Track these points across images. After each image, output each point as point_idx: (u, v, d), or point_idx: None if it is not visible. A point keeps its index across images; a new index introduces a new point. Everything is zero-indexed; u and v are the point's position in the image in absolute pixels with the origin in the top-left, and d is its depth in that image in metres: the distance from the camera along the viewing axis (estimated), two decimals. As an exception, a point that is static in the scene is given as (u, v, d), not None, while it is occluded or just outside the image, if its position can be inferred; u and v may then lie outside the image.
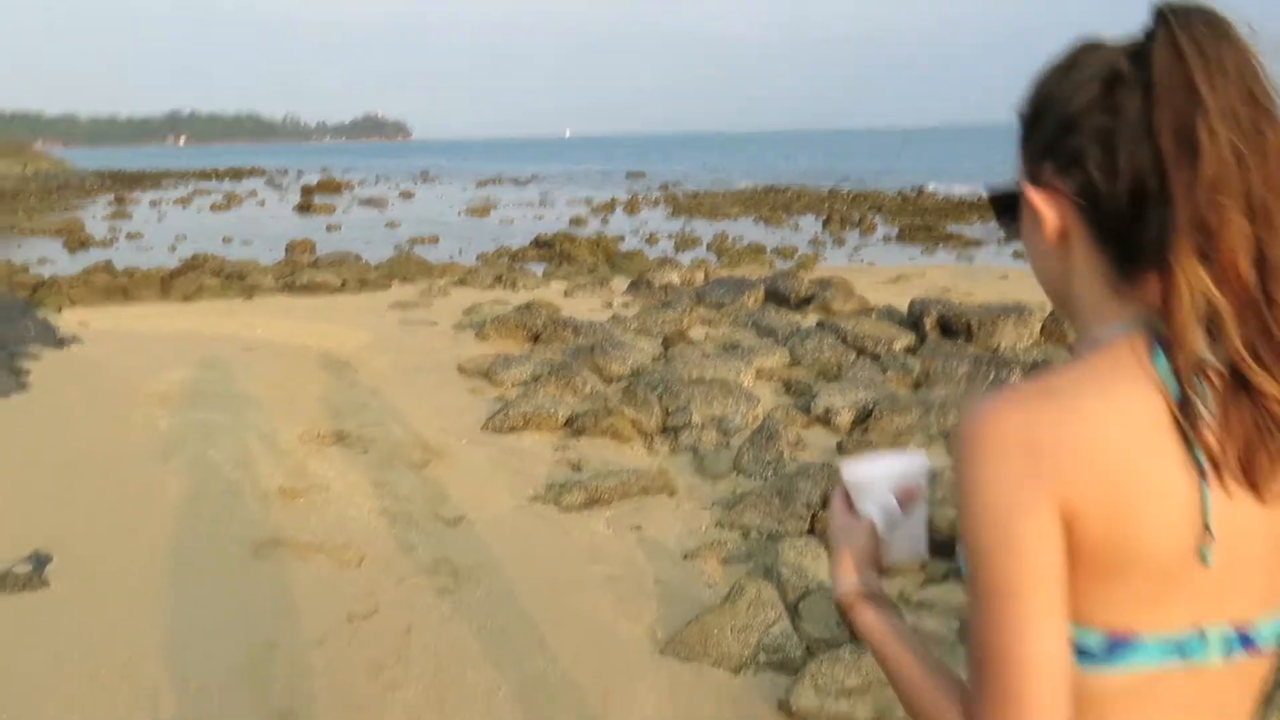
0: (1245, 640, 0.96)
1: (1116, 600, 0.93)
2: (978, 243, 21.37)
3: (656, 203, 35.25)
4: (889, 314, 10.41)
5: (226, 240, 23.71)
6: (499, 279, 14.21)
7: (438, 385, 7.78)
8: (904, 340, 8.94)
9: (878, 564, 1.18)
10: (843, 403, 6.88)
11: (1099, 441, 0.90)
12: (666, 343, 9.09)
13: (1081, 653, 0.95)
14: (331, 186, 46.67)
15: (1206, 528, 0.91)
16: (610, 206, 32.99)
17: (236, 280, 14.75)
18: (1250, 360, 0.89)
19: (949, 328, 9.35)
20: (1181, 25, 0.90)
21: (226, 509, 4.77)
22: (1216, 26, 0.90)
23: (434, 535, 4.63)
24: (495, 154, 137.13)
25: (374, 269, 16.37)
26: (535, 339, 9.47)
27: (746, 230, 25.37)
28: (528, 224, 27.92)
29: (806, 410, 6.99)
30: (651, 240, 22.88)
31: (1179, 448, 0.90)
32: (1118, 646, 0.94)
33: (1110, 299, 0.96)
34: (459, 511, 4.94)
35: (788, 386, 7.81)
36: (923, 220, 26.11)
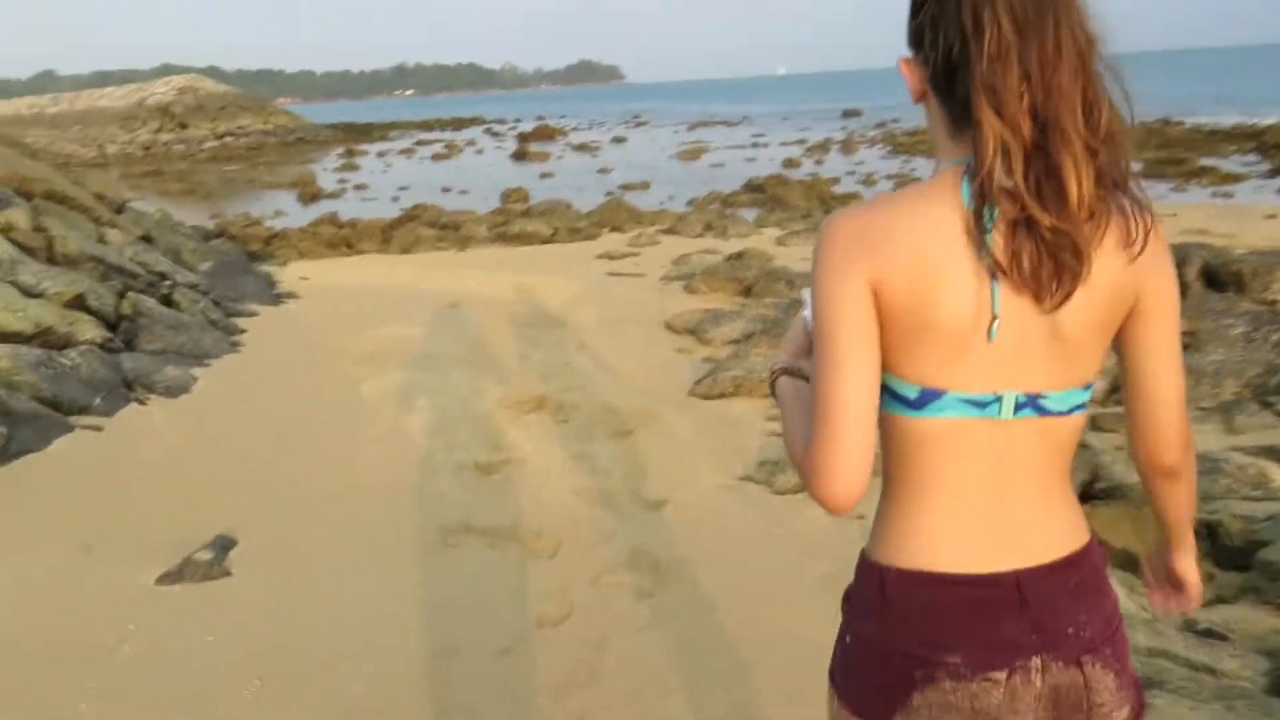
0: (1035, 405, 1.27)
1: (922, 360, 1.24)
2: (1236, 177, 19.31)
3: (874, 142, 33.82)
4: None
5: (445, 190, 24.18)
6: (709, 227, 13.74)
7: (643, 343, 7.41)
8: (1161, 293, 7.94)
9: (802, 353, 1.50)
10: (1093, 368, 6.09)
11: (905, 235, 1.22)
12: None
13: (902, 400, 1.27)
14: (546, 133, 47.23)
15: (994, 314, 1.21)
16: (825, 147, 31.88)
17: (451, 231, 14.88)
18: (1028, 196, 1.17)
19: (1215, 278, 8.26)
20: None
21: (418, 487, 4.54)
22: None
23: (634, 521, 4.25)
24: (707, 94, 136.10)
25: (584, 217, 16.21)
26: (747, 292, 8.96)
27: (971, 168, 23.95)
28: (739, 167, 27.27)
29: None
30: (869, 181, 21.86)
31: (973, 251, 1.21)
32: (928, 397, 1.26)
33: (949, 142, 1.28)
34: (661, 493, 4.54)
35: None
36: (1169, 153, 23.91)
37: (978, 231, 1.18)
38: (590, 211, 16.87)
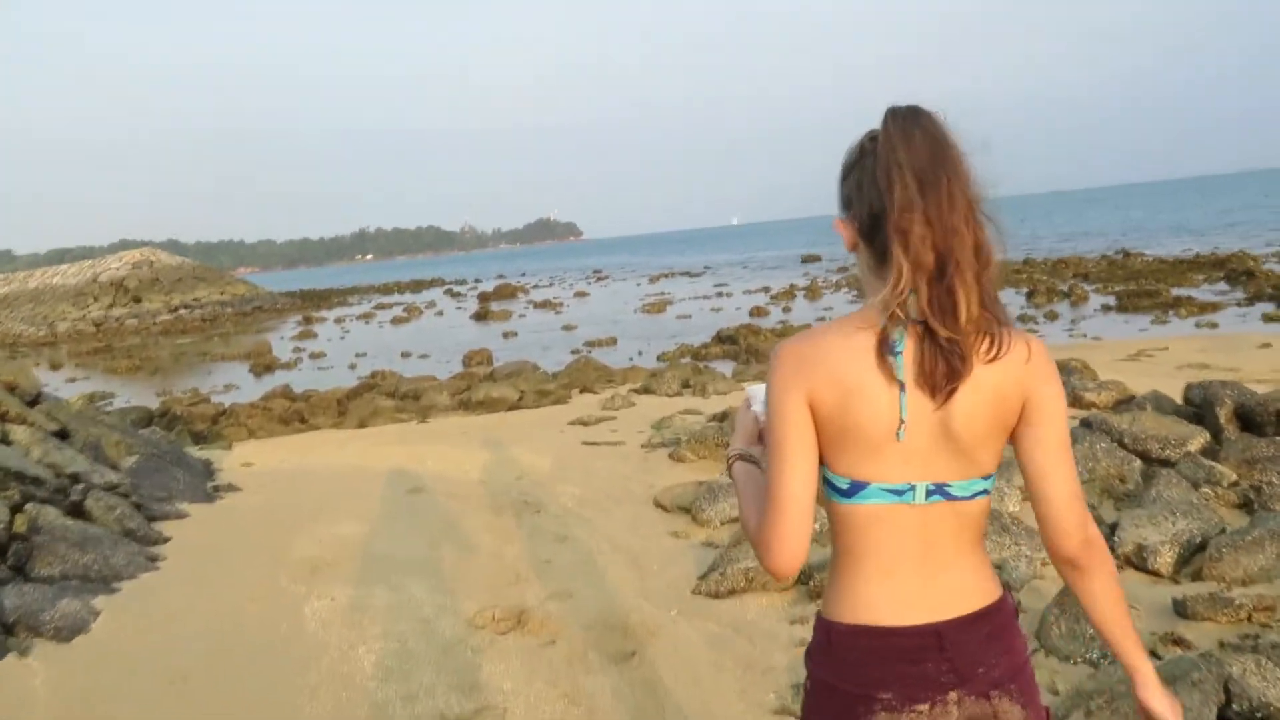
0: (943, 492, 1.60)
1: (850, 457, 1.60)
2: (1215, 306, 18.96)
3: (838, 286, 33.65)
4: (1157, 403, 8.61)
5: (405, 355, 23.44)
6: (686, 384, 12.97)
7: (632, 527, 6.50)
8: (1198, 440, 7.17)
9: (753, 441, 1.84)
10: (1158, 536, 5.24)
11: (833, 359, 1.58)
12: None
13: (837, 490, 1.63)
14: (507, 292, 47.03)
15: (901, 420, 1.55)
16: (790, 293, 31.62)
17: (411, 400, 14.03)
18: (931, 313, 1.51)
19: (1251, 419, 7.53)
20: (893, 117, 1.57)
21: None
22: (915, 117, 1.56)
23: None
24: (665, 247, 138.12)
25: (552, 378, 15.44)
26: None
27: (941, 309, 23.55)
28: (706, 317, 26.82)
29: (1112, 549, 5.37)
30: (841, 327, 21.35)
31: (885, 369, 1.55)
32: (856, 487, 1.61)
33: (875, 281, 1.62)
34: (680, 743, 3.58)
35: (1068, 511, 6.19)
36: (1139, 285, 23.70)
37: (890, 351, 1.55)
38: (558, 372, 16.12)
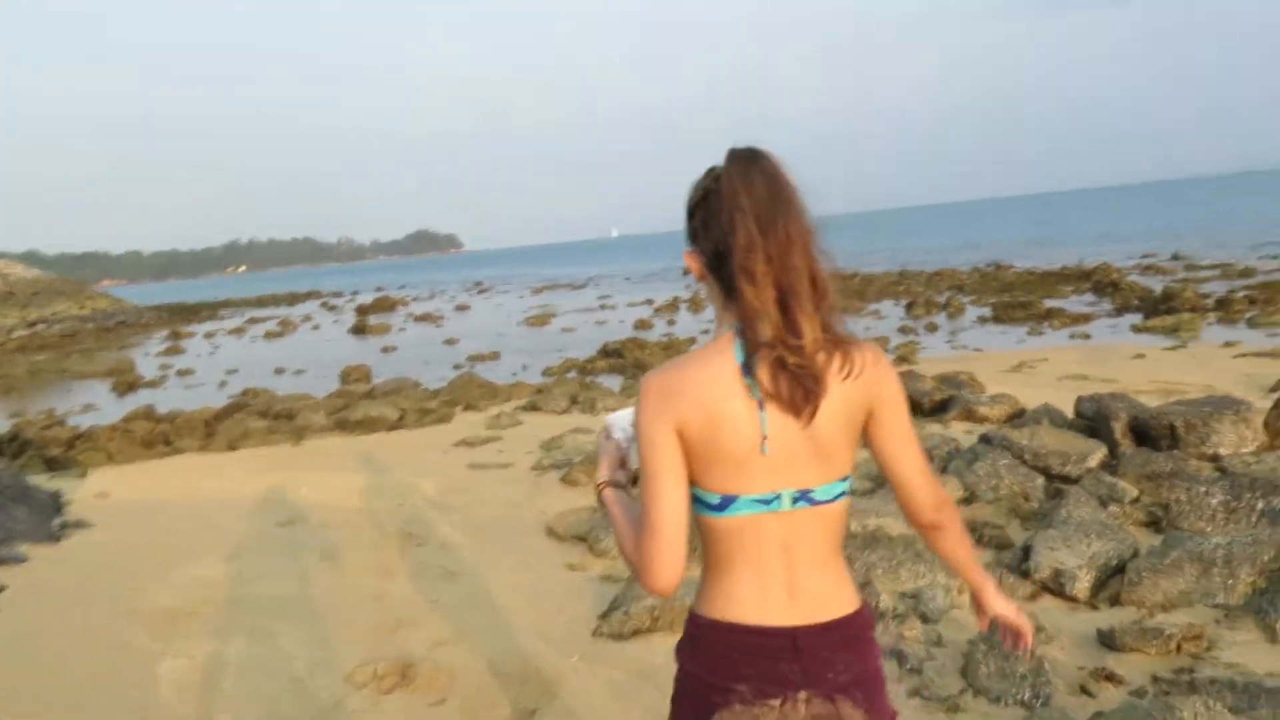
0: (807, 498, 1.74)
1: (719, 474, 1.72)
2: (1086, 318, 19.42)
3: (721, 298, 33.72)
4: (1049, 417, 8.58)
5: (279, 371, 22.47)
6: (574, 400, 12.58)
7: (525, 559, 6.09)
8: (1097, 455, 7.10)
9: (622, 465, 1.98)
10: (1075, 560, 5.07)
11: (696, 387, 1.70)
12: (799, 477, 7.35)
13: (708, 506, 1.75)
14: (386, 305, 45.91)
15: (764, 436, 1.69)
16: (673, 306, 31.49)
17: (285, 421, 13.28)
18: (780, 345, 1.67)
19: (1145, 432, 7.51)
20: (733, 159, 1.71)
21: None
22: (754, 160, 1.71)
23: None
24: (546, 259, 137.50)
25: (434, 395, 14.87)
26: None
27: (825, 321, 23.66)
28: (590, 330, 26.47)
29: (1023, 573, 5.19)
30: (727, 339, 21.24)
31: (745, 390, 1.69)
32: (727, 501, 1.74)
33: (724, 311, 1.76)
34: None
35: (976, 533, 6.00)
36: (1012, 296, 24.22)
37: (746, 375, 1.70)
38: (440, 388, 15.55)
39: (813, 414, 1.69)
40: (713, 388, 1.70)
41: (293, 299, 66.99)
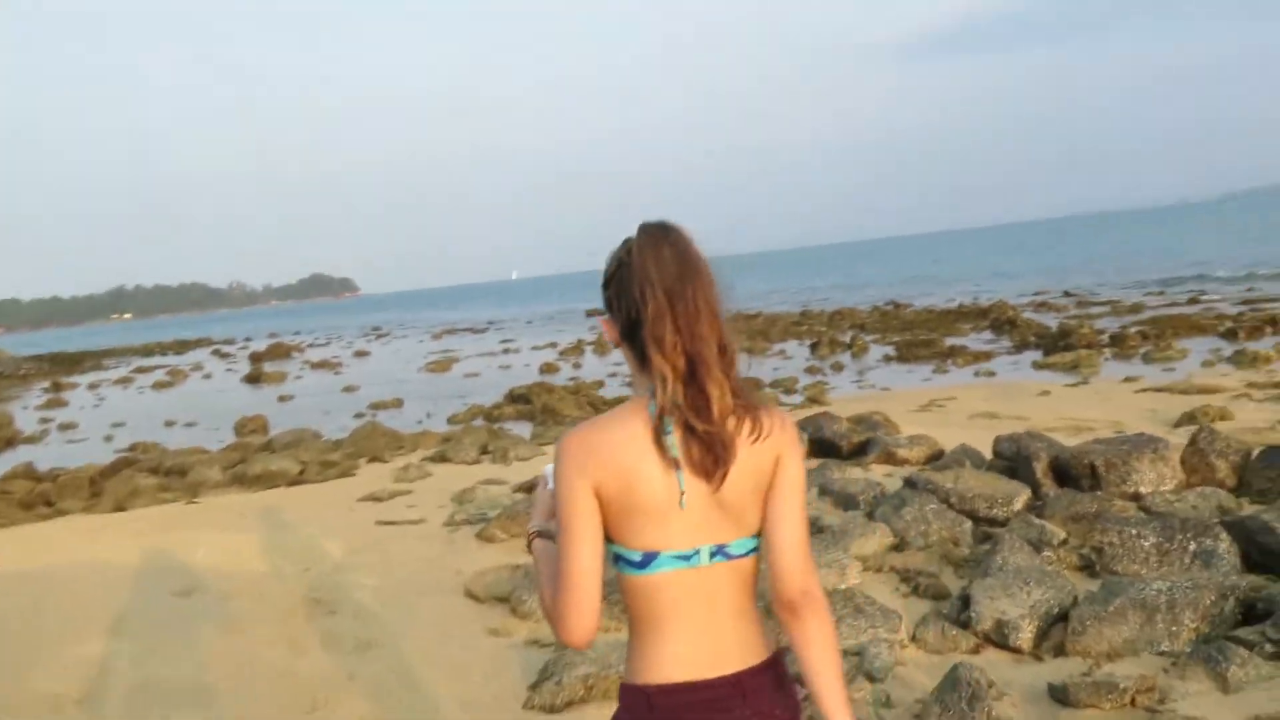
0: (723, 553, 1.81)
1: (640, 532, 1.77)
2: (988, 355, 19.76)
3: (625, 340, 33.61)
4: (967, 457, 8.56)
5: (169, 424, 21.57)
6: (484, 450, 12.23)
7: (444, 626, 5.76)
8: (1022, 497, 7.06)
9: (550, 517, 1.94)
10: (1016, 609, 4.95)
11: (613, 448, 1.76)
12: (725, 527, 7.14)
13: (631, 564, 1.79)
14: (281, 351, 44.73)
15: (682, 493, 1.75)
16: (578, 349, 31.26)
17: (177, 477, 12.68)
18: (688, 410, 1.73)
19: (1066, 472, 7.51)
20: (643, 234, 1.80)
21: None
22: (664, 234, 1.79)
23: None
24: (445, 301, 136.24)
25: (336, 446, 14.36)
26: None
27: (731, 362, 23.65)
28: (495, 375, 26.08)
29: (962, 623, 5.05)
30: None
31: (660, 451, 1.75)
32: (648, 558, 1.78)
33: (639, 375, 1.82)
34: None
35: (911, 582, 5.86)
36: (913, 335, 24.60)
37: (661, 437, 1.75)
38: (342, 439, 15.02)
39: (723, 479, 1.77)
40: (629, 448, 1.77)
41: (182, 346, 64.86)
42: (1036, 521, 6.48)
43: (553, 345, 33.80)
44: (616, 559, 1.81)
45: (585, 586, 1.76)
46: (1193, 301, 26.69)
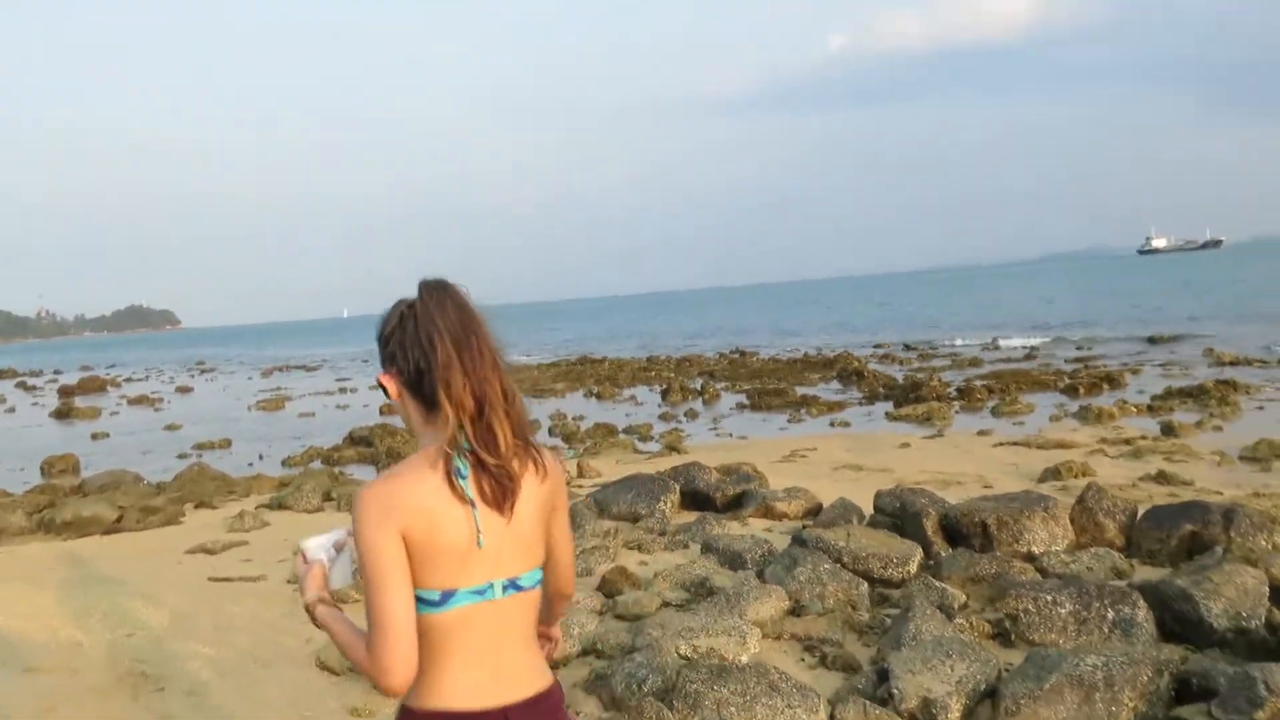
0: (514, 585, 1.98)
1: (440, 571, 1.89)
2: (840, 405, 19.85)
3: (469, 381, 32.72)
4: (846, 512, 8.25)
5: (-36, 461, 19.60)
6: (328, 496, 11.34)
7: (296, 706, 5.01)
8: (917, 556, 6.76)
9: (325, 586, 2.06)
10: (942, 686, 4.56)
11: (412, 495, 1.87)
12: (606, 588, 6.58)
13: (430, 604, 1.89)
14: (95, 385, 41.94)
15: (479, 530, 1.90)
16: (419, 389, 30.19)
17: (-27, 523, 11.28)
18: (479, 447, 1.90)
19: (956, 530, 7.26)
20: (426, 290, 1.96)
21: None
22: (445, 290, 1.96)
23: None
24: (274, 339, 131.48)
25: (159, 490, 13.18)
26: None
27: (579, 407, 23.20)
28: (332, 415, 24.88)
29: (880, 699, 4.63)
30: (482, 426, 20.29)
31: (457, 494, 1.89)
32: (446, 596, 1.90)
33: (424, 424, 1.97)
34: None
35: (815, 653, 5.43)
36: (763, 383, 24.64)
37: (454, 479, 1.89)
38: (166, 482, 13.83)
39: (511, 509, 1.93)
40: (427, 493, 1.88)
41: (-18, 377, 60.21)
42: (937, 584, 6.16)
43: (375, 387, 32.55)
44: (415, 600, 1.89)
45: (403, 632, 1.85)
46: (1028, 358, 27.69)
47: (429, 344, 1.89)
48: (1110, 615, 5.23)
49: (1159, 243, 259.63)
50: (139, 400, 33.99)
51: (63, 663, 5.70)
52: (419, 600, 1.88)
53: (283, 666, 5.60)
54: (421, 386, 1.93)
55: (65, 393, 38.50)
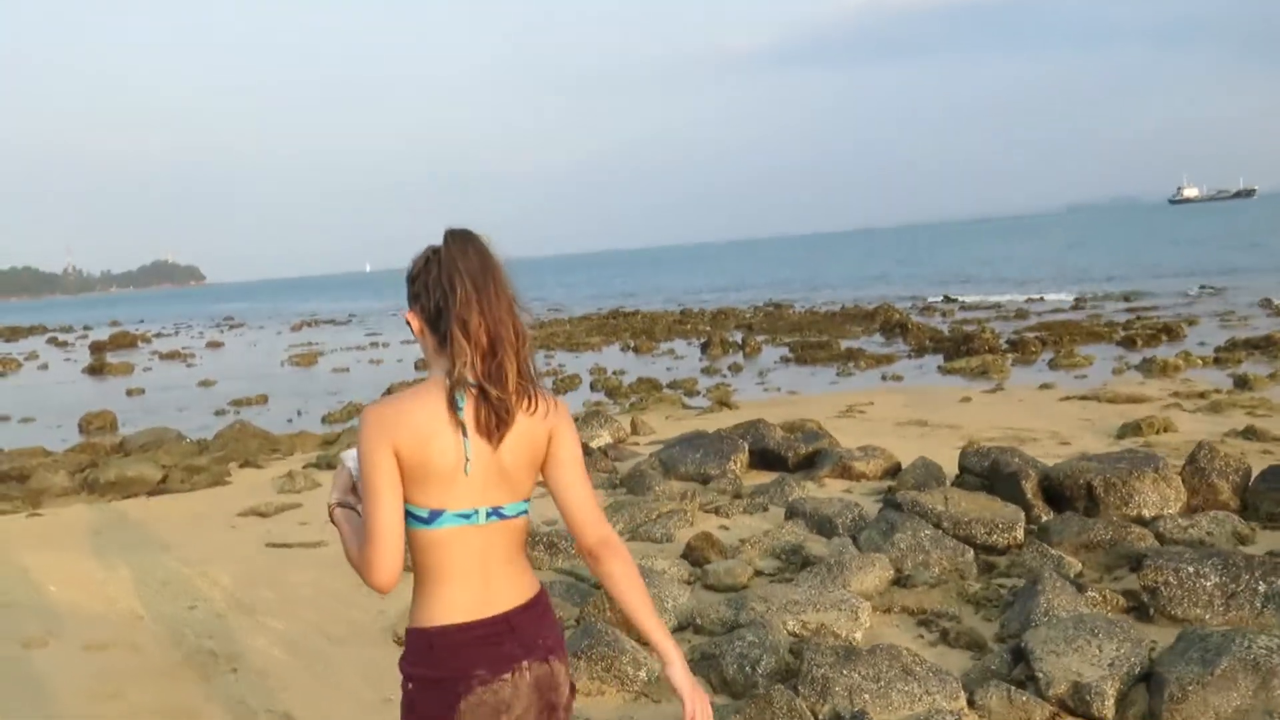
0: (498, 513, 2.10)
1: (429, 491, 2.04)
2: (889, 358, 19.34)
3: (501, 336, 32.32)
4: (928, 472, 7.82)
5: (2, 420, 19.40)
6: (378, 455, 10.96)
7: (377, 685, 4.64)
8: (1022, 521, 6.33)
9: (353, 491, 2.20)
10: (1094, 670, 4.14)
11: (410, 417, 2.02)
12: (693, 556, 6.18)
13: (419, 520, 2.06)
14: (126, 340, 41.74)
15: (466, 458, 2.03)
16: (453, 344, 29.85)
17: (15, 483, 10.99)
18: (485, 380, 2.02)
19: (1059, 493, 6.82)
20: (451, 236, 2.09)
21: None
22: (469, 238, 2.09)
23: None
24: (299, 293, 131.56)
25: (201, 449, 12.85)
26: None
27: (618, 360, 22.77)
28: (366, 371, 24.54)
29: (1016, 681, 4.22)
30: (522, 381, 19.89)
31: (452, 421, 2.03)
32: (434, 515, 2.05)
33: (437, 357, 2.10)
34: None
35: (933, 627, 5.02)
36: (803, 337, 24.13)
37: (453, 407, 2.03)
38: (207, 440, 13.49)
39: (502, 438, 2.07)
40: (425, 417, 2.04)
41: (13, 334, 60.20)
42: (1053, 552, 5.74)
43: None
44: (407, 515, 2.06)
45: (389, 537, 2.01)
46: (1076, 308, 27.04)
47: (450, 285, 2.04)
48: (1262, 589, 4.78)
49: (1190, 192, 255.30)
50: (171, 356, 33.78)
51: (123, 638, 5.37)
52: (411, 516, 2.07)
53: (357, 644, 5.24)
54: (439, 324, 2.07)
55: (97, 349, 38.30)
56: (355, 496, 2.18)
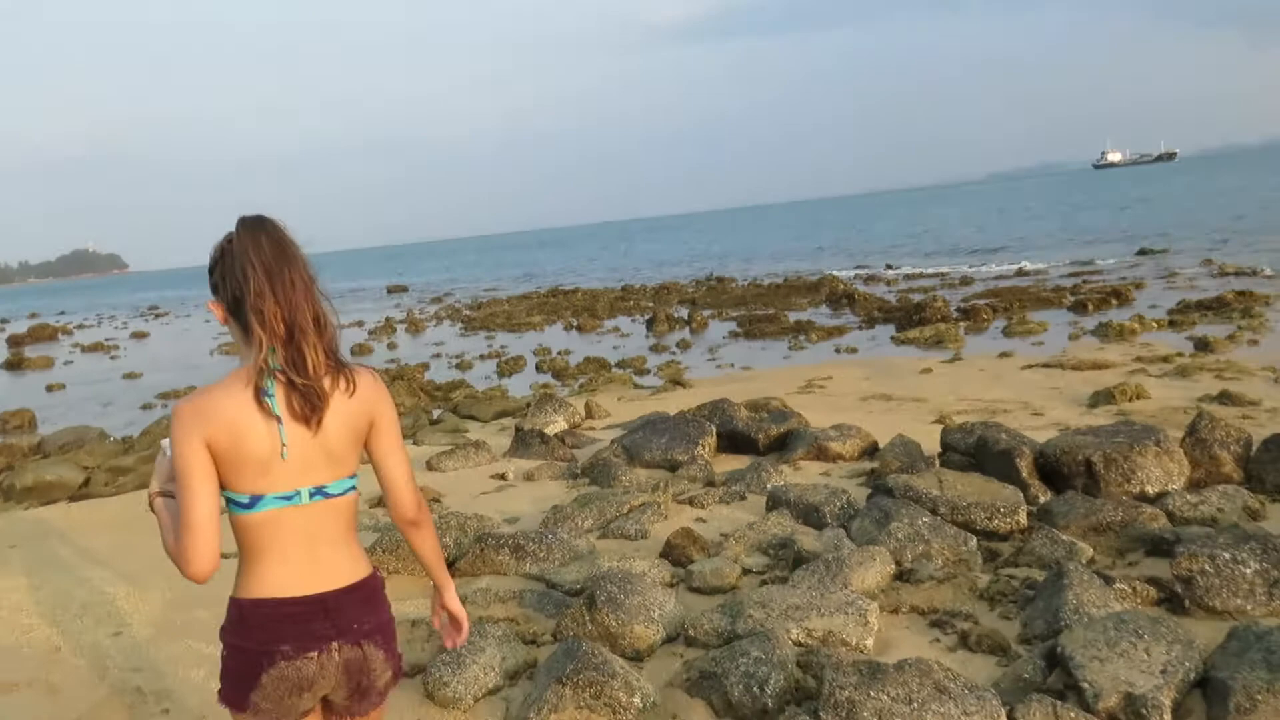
0: (322, 493, 2.17)
1: (248, 478, 2.09)
2: (840, 330, 18.98)
3: (439, 318, 31.51)
4: (907, 451, 7.40)
5: (-91, 420, 18.25)
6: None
7: None
8: (1023, 503, 5.91)
9: (170, 480, 2.19)
10: (1147, 679, 3.69)
11: (221, 409, 2.06)
12: (673, 555, 5.66)
13: (240, 505, 2.12)
14: (45, 333, 40.07)
15: (283, 444, 2.09)
16: (389, 328, 29.03)
17: (-79, 492, 10.16)
18: (289, 369, 2.09)
19: (1056, 471, 6.41)
20: (244, 226, 2.13)
21: None
22: (261, 225, 2.13)
23: None
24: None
25: (128, 448, 12.06)
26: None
27: (561, 340, 22.18)
28: (301, 358, 23.63)
29: (1054, 690, 3.77)
30: (464, 365, 19.26)
31: (263, 409, 2.08)
32: (254, 500, 2.11)
33: (245, 347, 2.14)
34: None
35: (949, 630, 4.55)
36: (749, 310, 23.72)
37: (262, 397, 2.08)
38: (134, 438, 12.71)
39: (319, 423, 2.12)
40: (235, 408, 2.07)
41: (-75, 329, 57.88)
42: (1063, 538, 5.32)
43: (359, 324, 31.31)
44: (229, 502, 2.13)
45: (204, 528, 2.06)
46: (1020, 274, 26.95)
47: (243, 275, 2.08)
48: (1305, 575, 4.39)
49: (1114, 156, 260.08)
50: (94, 348, 32.42)
51: (38, 676, 4.71)
52: (231, 502, 2.14)
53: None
54: (240, 313, 2.12)
55: (15, 342, 36.74)
56: (174, 485, 2.17)
